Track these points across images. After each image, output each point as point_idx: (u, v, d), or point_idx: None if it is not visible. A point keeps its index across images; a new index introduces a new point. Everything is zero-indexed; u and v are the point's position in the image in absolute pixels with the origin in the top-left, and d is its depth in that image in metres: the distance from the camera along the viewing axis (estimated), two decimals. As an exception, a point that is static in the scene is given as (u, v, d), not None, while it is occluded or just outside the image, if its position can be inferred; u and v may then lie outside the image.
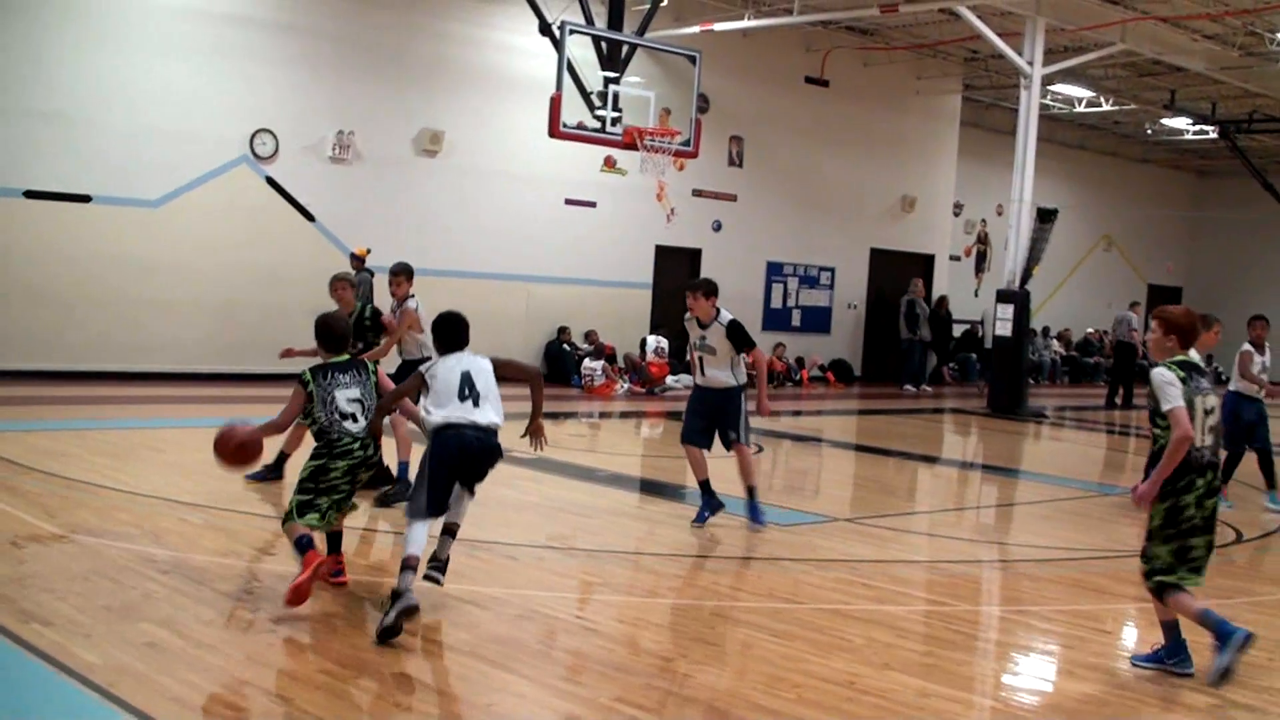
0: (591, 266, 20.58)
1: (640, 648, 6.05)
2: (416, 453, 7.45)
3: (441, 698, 5.11)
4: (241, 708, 4.83)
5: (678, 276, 21.92)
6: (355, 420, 6.41)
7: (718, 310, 8.92)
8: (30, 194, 15.51)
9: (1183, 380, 5.82)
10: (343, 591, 6.63)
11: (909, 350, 23.74)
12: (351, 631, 5.96)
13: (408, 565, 6.01)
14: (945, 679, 5.69)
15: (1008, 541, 9.80)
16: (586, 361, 19.69)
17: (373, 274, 16.26)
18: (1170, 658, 5.93)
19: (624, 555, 8.29)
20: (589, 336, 20.35)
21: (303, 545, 6.24)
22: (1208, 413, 5.89)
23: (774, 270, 23.55)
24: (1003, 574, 8.59)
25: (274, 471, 9.45)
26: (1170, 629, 5.94)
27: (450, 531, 6.41)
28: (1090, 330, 30.77)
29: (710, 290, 8.91)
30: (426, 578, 6.21)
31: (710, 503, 8.94)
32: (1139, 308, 29.08)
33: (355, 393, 6.45)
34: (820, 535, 9.00)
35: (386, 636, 5.69)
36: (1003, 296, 19.63)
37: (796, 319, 23.95)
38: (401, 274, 9.76)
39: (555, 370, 20.03)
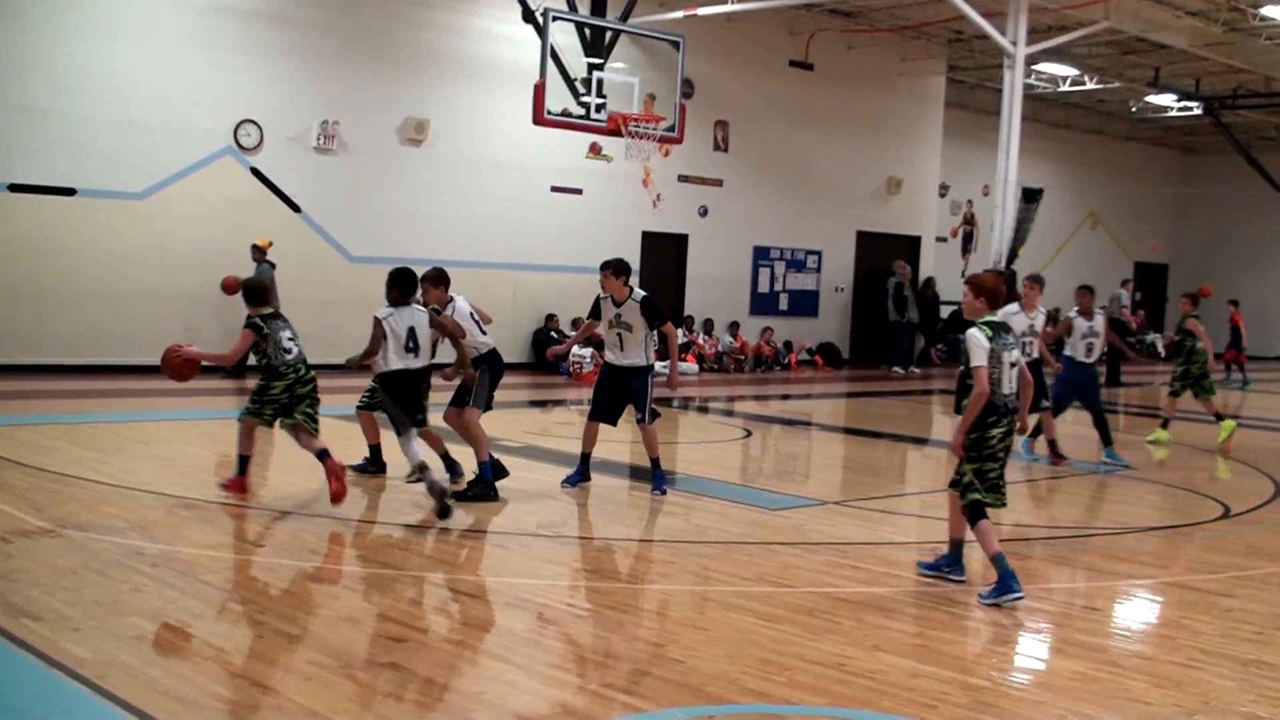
0: (578, 253, 20.49)
1: (631, 634, 6.06)
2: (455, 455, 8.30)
3: (432, 687, 5.11)
4: (231, 699, 4.83)
5: (665, 262, 21.95)
6: (291, 352, 8.35)
7: (631, 288, 9.49)
8: (14, 187, 15.42)
9: (990, 339, 6.79)
10: (334, 582, 6.63)
11: (897, 332, 23.76)
12: (340, 622, 5.95)
13: (422, 469, 8.14)
14: (935, 659, 5.71)
15: (997, 521, 9.77)
16: (574, 349, 19.66)
17: (274, 265, 16.22)
18: (948, 567, 7.16)
19: (613, 541, 8.29)
20: (576, 324, 20.31)
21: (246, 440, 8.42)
22: (1012, 365, 6.87)
23: (761, 254, 23.54)
24: (992, 554, 8.60)
25: (375, 464, 9.70)
26: (956, 545, 7.16)
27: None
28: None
29: (620, 269, 9.59)
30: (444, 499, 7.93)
31: (584, 472, 9.68)
32: (1130, 284, 29.20)
33: (289, 333, 8.43)
34: (810, 518, 9.02)
35: (444, 516, 7.98)
36: (989, 277, 19.63)
37: (784, 303, 23.95)
38: (427, 280, 9.12)
39: (543, 358, 19.96)
